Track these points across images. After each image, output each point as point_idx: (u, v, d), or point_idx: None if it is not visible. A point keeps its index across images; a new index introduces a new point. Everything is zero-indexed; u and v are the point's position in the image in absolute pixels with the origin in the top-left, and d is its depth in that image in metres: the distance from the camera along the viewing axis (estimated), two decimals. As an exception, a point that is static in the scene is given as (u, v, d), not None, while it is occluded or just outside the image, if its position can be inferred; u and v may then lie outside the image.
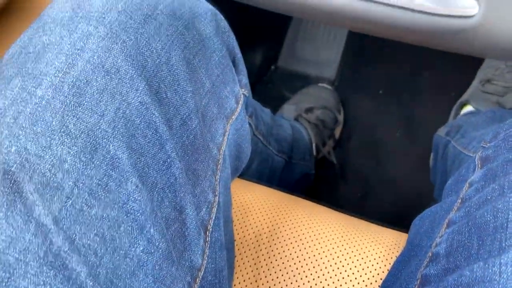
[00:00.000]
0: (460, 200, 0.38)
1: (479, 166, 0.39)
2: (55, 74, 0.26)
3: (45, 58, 0.27)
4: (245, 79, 0.39)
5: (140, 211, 0.26)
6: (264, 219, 0.43)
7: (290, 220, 0.43)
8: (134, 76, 0.27)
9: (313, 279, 0.40)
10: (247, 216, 0.44)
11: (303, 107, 0.87)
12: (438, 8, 0.25)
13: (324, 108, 0.88)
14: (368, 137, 0.92)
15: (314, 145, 0.83)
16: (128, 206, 0.25)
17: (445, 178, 0.62)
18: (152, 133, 0.27)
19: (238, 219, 0.44)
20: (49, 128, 0.24)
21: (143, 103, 0.27)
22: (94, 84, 0.26)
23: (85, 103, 0.26)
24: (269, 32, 1.00)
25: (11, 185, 0.24)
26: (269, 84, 0.99)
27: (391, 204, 0.86)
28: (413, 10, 0.27)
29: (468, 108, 0.76)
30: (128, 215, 0.25)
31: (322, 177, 0.89)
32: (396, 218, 0.75)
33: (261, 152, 0.62)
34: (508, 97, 0.72)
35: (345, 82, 0.96)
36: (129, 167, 0.26)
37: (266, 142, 0.63)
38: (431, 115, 0.87)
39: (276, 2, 0.37)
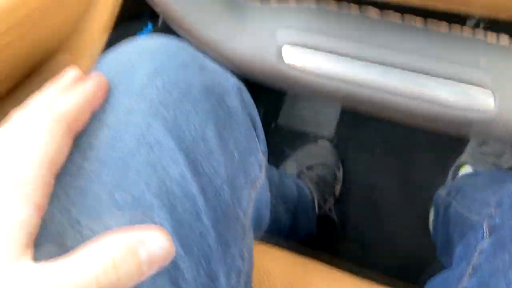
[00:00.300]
0: (471, 267, 0.39)
1: (487, 233, 0.41)
2: (101, 147, 0.27)
3: (89, 131, 0.28)
4: (264, 147, 0.41)
5: (185, 280, 0.27)
6: (280, 283, 0.44)
7: (306, 285, 0.44)
8: (175, 149, 0.29)
9: None
10: (263, 280, 0.44)
11: (304, 164, 0.88)
12: (456, 101, 0.27)
13: (323, 165, 0.89)
14: (367, 194, 0.93)
15: (316, 202, 0.84)
16: (173, 274, 0.26)
17: (447, 238, 0.63)
18: (190, 203, 0.28)
19: (254, 284, 0.44)
20: (98, 200, 0.26)
21: (183, 175, 0.29)
22: (138, 157, 0.27)
23: (131, 175, 0.27)
24: (270, 90, 1.03)
25: None
26: (270, 141, 1.01)
27: (391, 261, 0.86)
28: (429, 102, 0.28)
29: (467, 169, 0.78)
30: (174, 285, 0.26)
31: (323, 234, 0.89)
32: (397, 275, 0.75)
33: (271, 213, 0.63)
34: (505, 158, 0.75)
35: (344, 140, 0.98)
36: (174, 237, 0.27)
37: (276, 202, 0.64)
38: (429, 174, 0.89)
39: (281, 81, 0.37)
